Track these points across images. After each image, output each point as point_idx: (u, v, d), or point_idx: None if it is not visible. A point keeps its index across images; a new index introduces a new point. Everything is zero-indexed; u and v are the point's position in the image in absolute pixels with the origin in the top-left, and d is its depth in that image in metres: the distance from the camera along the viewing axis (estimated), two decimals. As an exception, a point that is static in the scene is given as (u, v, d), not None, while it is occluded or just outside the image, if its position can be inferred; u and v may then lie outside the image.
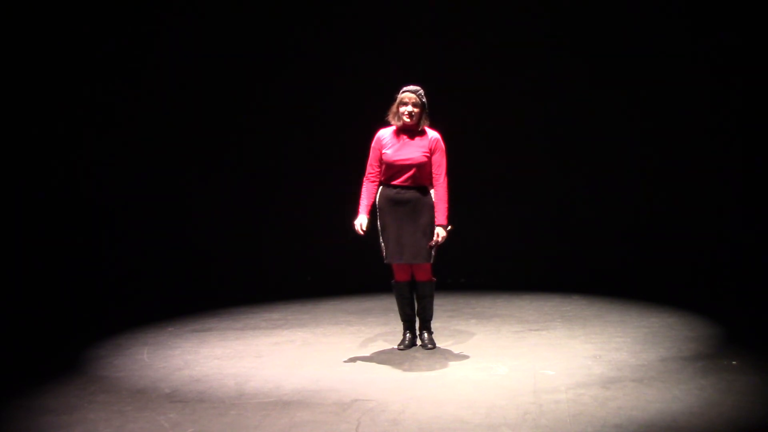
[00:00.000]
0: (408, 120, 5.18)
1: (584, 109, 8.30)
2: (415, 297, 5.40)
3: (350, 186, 8.27)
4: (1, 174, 7.95)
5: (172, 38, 8.40)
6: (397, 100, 5.23)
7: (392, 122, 5.28)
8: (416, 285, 5.35)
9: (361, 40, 8.38)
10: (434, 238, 5.15)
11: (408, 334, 5.43)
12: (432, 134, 5.25)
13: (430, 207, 5.20)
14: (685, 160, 8.12)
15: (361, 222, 5.23)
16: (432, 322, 5.49)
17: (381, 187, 5.30)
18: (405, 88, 5.24)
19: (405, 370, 4.87)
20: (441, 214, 5.20)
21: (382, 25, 8.37)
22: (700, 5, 7.91)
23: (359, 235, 5.22)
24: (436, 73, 8.14)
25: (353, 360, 5.15)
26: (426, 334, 5.45)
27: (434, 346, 5.40)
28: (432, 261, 5.24)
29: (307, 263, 8.55)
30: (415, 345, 5.43)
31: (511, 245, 8.35)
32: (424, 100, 5.21)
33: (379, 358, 5.19)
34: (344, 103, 8.42)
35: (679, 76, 8.09)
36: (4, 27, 7.83)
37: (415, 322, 5.46)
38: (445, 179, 5.23)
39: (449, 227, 5.21)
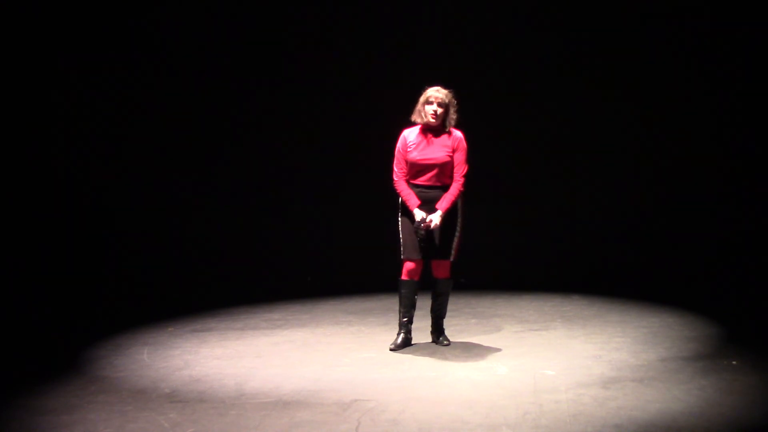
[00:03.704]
0: (433, 120, 5.17)
1: (584, 110, 8.30)
2: (431, 294, 5.42)
3: (351, 186, 8.35)
4: (1, 172, 7.95)
5: (178, 32, 8.40)
6: (423, 98, 5.20)
7: (417, 120, 5.25)
8: (435, 282, 5.37)
9: (371, 41, 8.39)
10: (427, 222, 5.11)
11: (402, 335, 5.40)
12: (455, 133, 5.26)
13: (453, 205, 5.22)
14: (685, 160, 8.12)
15: (422, 217, 5.12)
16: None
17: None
18: (433, 87, 5.21)
19: (405, 370, 4.87)
20: (444, 203, 5.17)
21: (394, 26, 8.38)
22: (703, 7, 7.91)
23: (425, 230, 5.10)
24: (439, 74, 8.14)
25: (353, 360, 5.15)
26: (440, 332, 5.47)
27: (449, 343, 5.42)
28: (453, 259, 5.26)
29: (307, 263, 8.55)
30: (409, 345, 5.41)
31: (511, 245, 8.35)
32: (449, 101, 5.18)
33: (379, 358, 5.19)
34: (347, 104, 8.41)
35: (679, 77, 8.09)
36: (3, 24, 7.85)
37: (412, 323, 5.45)
38: (463, 179, 5.23)
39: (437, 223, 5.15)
